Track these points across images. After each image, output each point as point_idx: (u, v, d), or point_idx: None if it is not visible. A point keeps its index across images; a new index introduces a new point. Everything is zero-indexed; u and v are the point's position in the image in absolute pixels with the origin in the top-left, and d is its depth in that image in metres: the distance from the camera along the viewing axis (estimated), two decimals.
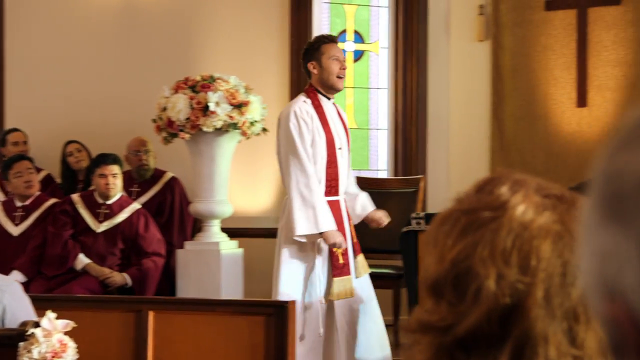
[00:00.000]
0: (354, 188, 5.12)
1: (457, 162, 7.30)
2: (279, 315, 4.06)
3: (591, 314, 0.94)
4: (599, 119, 7.00)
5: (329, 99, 4.84)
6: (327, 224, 4.63)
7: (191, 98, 5.89)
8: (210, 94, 5.86)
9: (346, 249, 4.77)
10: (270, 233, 6.80)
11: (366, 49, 7.53)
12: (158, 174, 6.73)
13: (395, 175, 7.31)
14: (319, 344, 4.71)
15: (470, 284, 0.95)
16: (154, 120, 6.04)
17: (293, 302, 4.07)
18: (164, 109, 5.96)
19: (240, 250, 6.26)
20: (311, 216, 4.61)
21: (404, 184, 6.83)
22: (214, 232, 6.15)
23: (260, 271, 6.78)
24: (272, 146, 6.83)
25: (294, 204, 4.66)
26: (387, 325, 6.69)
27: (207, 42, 6.94)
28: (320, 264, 4.72)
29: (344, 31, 7.49)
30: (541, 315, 0.94)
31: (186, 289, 6.00)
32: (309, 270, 4.73)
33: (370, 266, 6.56)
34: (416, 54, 7.34)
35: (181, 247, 6.20)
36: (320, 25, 7.12)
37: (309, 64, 4.85)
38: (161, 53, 6.96)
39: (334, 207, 4.79)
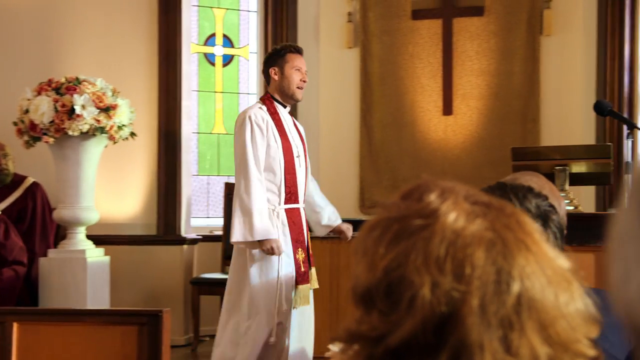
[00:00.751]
0: (321, 199, 5.04)
1: (326, 168, 7.32)
2: (152, 324, 3.94)
3: (522, 322, 0.93)
4: (463, 127, 7.16)
5: (285, 107, 4.77)
6: (262, 232, 4.52)
7: (55, 101, 5.68)
8: (76, 96, 5.66)
9: (306, 258, 4.71)
10: (138, 240, 6.64)
11: (235, 53, 7.46)
12: (18, 179, 6.46)
13: None
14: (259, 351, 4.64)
15: (404, 292, 0.94)
16: (15, 123, 5.79)
17: (168, 311, 3.96)
18: (26, 112, 5.72)
19: (107, 258, 6.08)
20: (247, 223, 4.51)
21: None
22: (80, 239, 5.95)
23: (128, 279, 6.60)
24: (140, 151, 6.67)
25: (234, 210, 4.57)
26: None
27: (72, 43, 6.71)
28: (284, 272, 4.62)
29: (212, 35, 7.40)
30: (477, 323, 0.92)
31: (49, 299, 5.78)
32: (277, 277, 4.63)
33: None
34: None
35: (44, 255, 5.97)
36: (189, 28, 7.01)
37: (271, 69, 4.75)
38: (23, 53, 6.69)
39: (294, 214, 4.69)
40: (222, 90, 7.39)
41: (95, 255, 5.97)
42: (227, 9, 7.43)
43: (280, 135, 4.66)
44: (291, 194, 4.66)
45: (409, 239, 0.96)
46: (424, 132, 7.22)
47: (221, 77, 7.39)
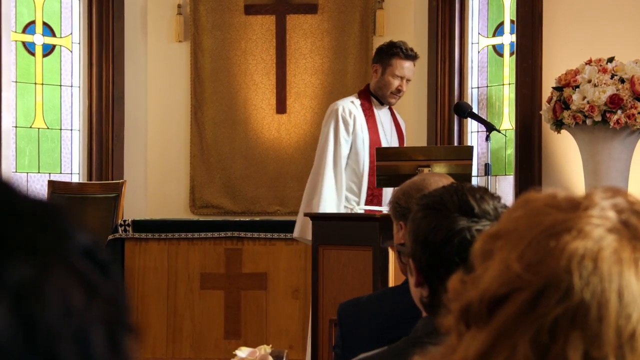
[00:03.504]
0: None
1: (154, 167, 7.04)
2: None
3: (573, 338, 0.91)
4: (297, 126, 7.06)
5: (382, 103, 4.44)
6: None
7: None
8: None
9: None
10: None
11: (57, 43, 7.02)
12: None
13: (89, 179, 6.89)
14: None
15: (485, 262, 0.96)
16: None
17: None
18: None
19: None
20: (306, 222, 4.22)
21: (104, 189, 6.43)
22: None
23: None
24: None
25: (301, 205, 4.25)
26: None
27: None
28: None
29: (32, 23, 6.94)
30: (519, 319, 0.91)
31: None
32: None
33: None
34: (112, 51, 6.97)
35: None
36: (9, 14, 6.51)
37: (374, 65, 4.54)
38: None
39: None
40: (42, 82, 6.94)
41: None
42: None
43: (370, 133, 4.39)
44: (373, 196, 4.41)
45: (532, 218, 0.96)
46: (257, 131, 7.07)
47: (41, 68, 6.94)
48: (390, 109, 4.73)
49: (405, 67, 4.57)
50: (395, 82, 4.54)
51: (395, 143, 4.69)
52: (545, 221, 0.93)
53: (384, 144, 4.59)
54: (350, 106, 4.49)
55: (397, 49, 4.58)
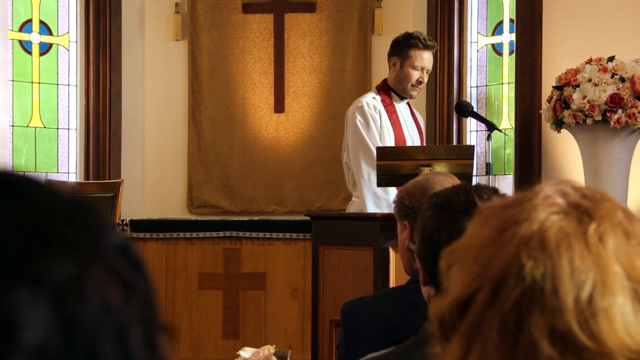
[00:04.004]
0: None
1: (152, 165, 7.01)
2: None
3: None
4: (295, 125, 7.03)
5: (402, 98, 4.39)
6: None
7: None
8: None
9: None
10: None
11: (54, 41, 6.99)
12: None
13: (87, 179, 6.86)
14: None
15: (450, 270, 1.00)
16: None
17: None
18: None
19: None
20: (376, 198, 4.18)
21: (101, 188, 6.40)
22: None
23: None
24: None
25: (367, 205, 4.19)
26: None
27: None
28: None
29: (29, 21, 6.90)
30: (485, 313, 0.93)
31: None
32: None
33: None
34: (109, 50, 6.93)
35: None
36: (6, 13, 6.48)
37: (391, 58, 4.44)
38: None
39: None
40: (39, 81, 6.90)
41: None
42: None
43: (393, 128, 4.36)
44: None
45: (484, 221, 0.99)
46: (255, 130, 7.03)
47: (38, 67, 6.90)
48: (408, 104, 4.68)
49: (425, 57, 4.52)
50: (416, 74, 4.48)
51: (415, 135, 4.65)
52: (495, 222, 0.97)
53: (408, 140, 4.55)
54: (374, 102, 4.44)
55: (415, 39, 4.52)
